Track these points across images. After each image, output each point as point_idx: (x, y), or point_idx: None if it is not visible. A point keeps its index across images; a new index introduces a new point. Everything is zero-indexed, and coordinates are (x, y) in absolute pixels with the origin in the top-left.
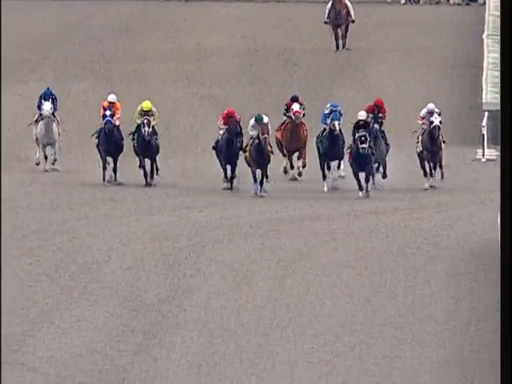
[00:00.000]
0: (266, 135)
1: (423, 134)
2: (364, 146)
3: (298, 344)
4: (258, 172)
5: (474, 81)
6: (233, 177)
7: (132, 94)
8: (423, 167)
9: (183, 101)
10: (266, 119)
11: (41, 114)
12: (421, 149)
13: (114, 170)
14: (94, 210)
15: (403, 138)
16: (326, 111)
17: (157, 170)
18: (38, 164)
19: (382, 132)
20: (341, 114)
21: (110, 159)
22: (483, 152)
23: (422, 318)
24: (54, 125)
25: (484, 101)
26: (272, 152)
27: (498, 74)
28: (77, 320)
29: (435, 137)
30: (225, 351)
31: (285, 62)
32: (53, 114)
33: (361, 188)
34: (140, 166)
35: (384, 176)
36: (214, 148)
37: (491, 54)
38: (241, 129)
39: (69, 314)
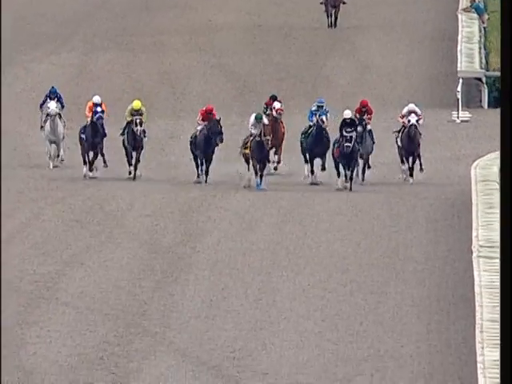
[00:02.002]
0: (268, 137)
1: (403, 131)
2: (348, 144)
3: (296, 281)
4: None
5: (449, 52)
6: (207, 172)
7: (151, 63)
8: (401, 158)
9: (196, 69)
10: (265, 120)
11: (47, 114)
12: (400, 145)
13: (93, 162)
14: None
15: (388, 103)
16: (313, 108)
17: (136, 167)
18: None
19: (369, 130)
20: (327, 112)
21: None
22: (458, 114)
23: (405, 258)
24: (60, 124)
25: (459, 69)
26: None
27: (470, 46)
28: (103, 261)
29: (413, 135)
30: (232, 287)
31: (285, 36)
32: (59, 113)
33: (339, 175)
34: (127, 158)
35: (368, 167)
36: (190, 143)
37: (465, 29)
38: (221, 127)
39: (96, 255)
